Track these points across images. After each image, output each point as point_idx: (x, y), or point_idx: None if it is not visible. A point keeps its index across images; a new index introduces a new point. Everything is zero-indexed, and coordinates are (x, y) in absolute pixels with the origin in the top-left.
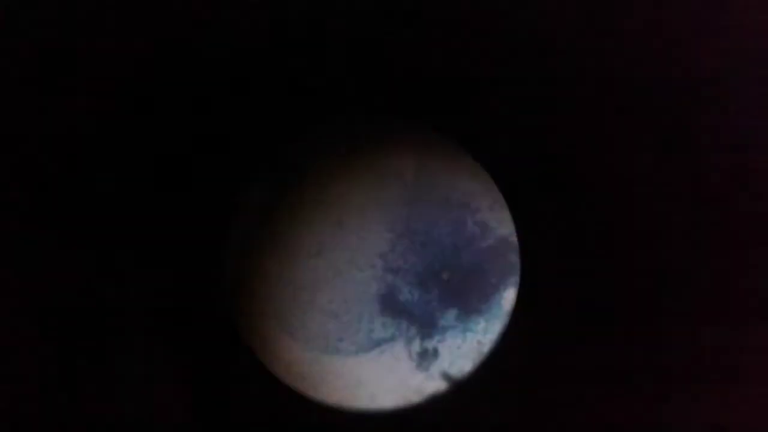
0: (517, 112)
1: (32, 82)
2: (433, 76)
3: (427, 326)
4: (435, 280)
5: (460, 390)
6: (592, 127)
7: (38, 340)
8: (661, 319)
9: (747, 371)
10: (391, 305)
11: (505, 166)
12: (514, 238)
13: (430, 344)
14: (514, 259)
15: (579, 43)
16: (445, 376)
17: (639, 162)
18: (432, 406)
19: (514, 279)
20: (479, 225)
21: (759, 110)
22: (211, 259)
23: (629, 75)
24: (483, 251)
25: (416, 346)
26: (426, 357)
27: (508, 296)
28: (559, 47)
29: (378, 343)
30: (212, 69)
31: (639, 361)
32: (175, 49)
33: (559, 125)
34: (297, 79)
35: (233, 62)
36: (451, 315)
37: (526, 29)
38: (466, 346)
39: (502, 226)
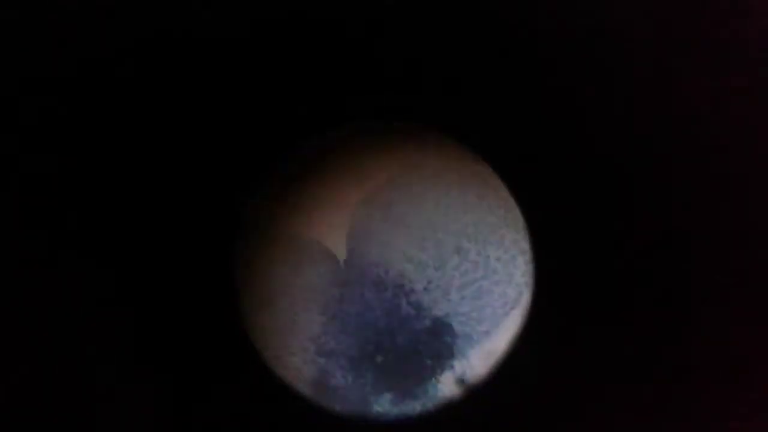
0: (518, 112)
1: (32, 83)
2: (434, 76)
3: (362, 412)
4: (369, 364)
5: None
6: (593, 126)
7: (40, 346)
8: (671, 321)
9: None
10: (323, 390)
11: (511, 166)
12: (449, 319)
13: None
14: (450, 340)
15: (581, 42)
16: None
17: (646, 160)
18: (445, 412)
19: (450, 362)
20: (414, 306)
21: None
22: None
23: (633, 72)
24: (418, 333)
25: None
26: None
27: (444, 379)
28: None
29: None
30: (214, 72)
31: (649, 366)
32: (175, 48)
33: (562, 123)
34: (296, 84)
35: (232, 66)
36: (385, 399)
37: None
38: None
39: (437, 307)
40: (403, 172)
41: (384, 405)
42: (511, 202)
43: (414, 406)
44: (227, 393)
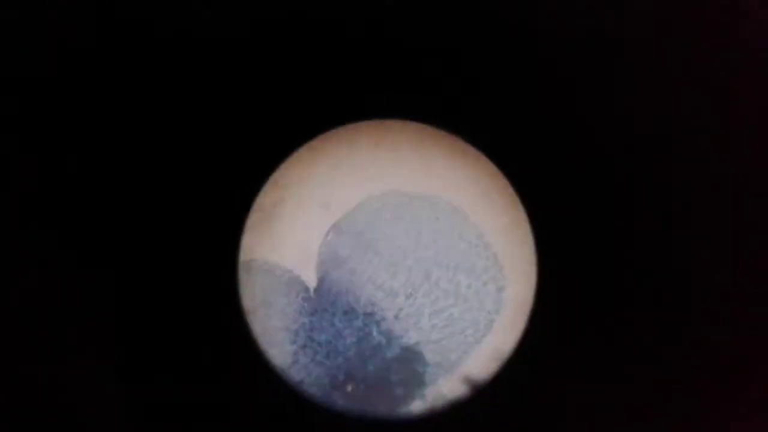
0: (518, 112)
1: (32, 83)
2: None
3: None
4: (339, 393)
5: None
6: (593, 126)
7: (40, 343)
8: (671, 321)
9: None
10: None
11: (511, 166)
12: (420, 347)
13: None
14: (420, 368)
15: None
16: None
17: (646, 160)
18: (452, 412)
19: (421, 390)
20: (384, 334)
21: None
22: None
23: (633, 72)
24: (389, 361)
25: None
26: None
27: (415, 407)
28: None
29: None
30: (212, 72)
31: (649, 366)
32: (174, 48)
33: (562, 123)
34: (295, 84)
35: (231, 66)
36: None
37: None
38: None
39: (408, 335)
40: (375, 200)
41: None
42: (483, 229)
43: None
44: (226, 392)
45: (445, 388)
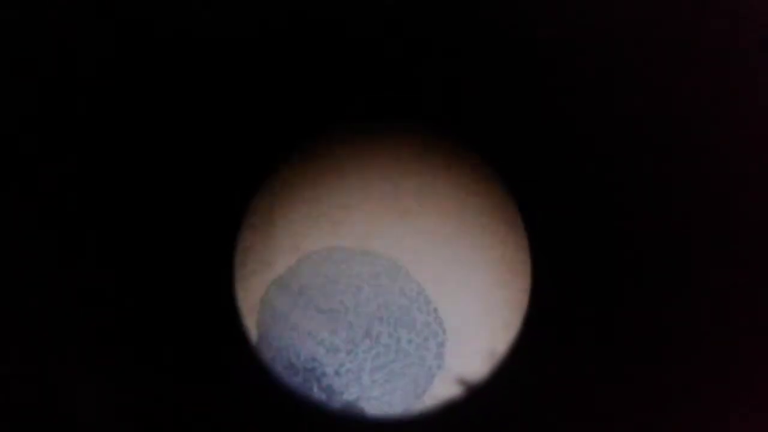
0: (518, 112)
1: (32, 81)
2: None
3: None
4: None
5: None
6: (593, 126)
7: (38, 343)
8: (671, 321)
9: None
10: None
11: (511, 166)
12: (361, 403)
13: None
14: (363, 421)
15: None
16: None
17: (646, 160)
18: (446, 411)
19: None
20: (325, 390)
21: None
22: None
23: (633, 72)
24: (329, 417)
25: None
26: None
27: None
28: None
29: None
30: (211, 72)
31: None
32: (174, 48)
33: (562, 123)
34: (295, 85)
35: (234, 65)
36: None
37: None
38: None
39: (349, 390)
40: (315, 256)
41: None
42: (424, 282)
43: None
44: (222, 393)
45: None
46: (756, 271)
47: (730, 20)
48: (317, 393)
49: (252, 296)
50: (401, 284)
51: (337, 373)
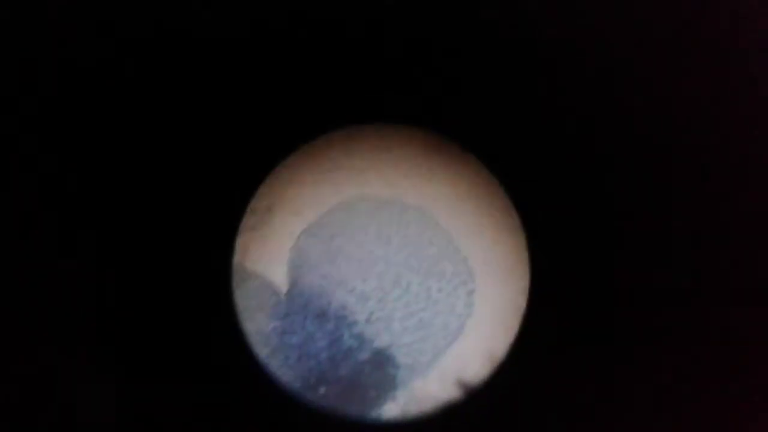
0: (518, 112)
1: (31, 81)
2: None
3: None
4: (312, 395)
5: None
6: (593, 127)
7: (36, 343)
8: (671, 321)
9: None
10: None
11: (511, 166)
12: (391, 350)
13: None
14: (392, 371)
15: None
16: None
17: (643, 160)
18: (445, 414)
19: (393, 393)
20: (356, 337)
21: None
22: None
23: (633, 72)
24: (360, 364)
25: None
26: None
27: (387, 410)
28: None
29: None
30: (210, 73)
31: (647, 367)
32: (174, 48)
33: (561, 124)
34: (294, 85)
35: (229, 67)
36: None
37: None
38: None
39: (380, 338)
40: (345, 206)
41: None
42: (454, 233)
43: None
44: (219, 395)
45: (417, 390)
46: (756, 271)
47: (730, 20)
48: (348, 340)
49: (282, 245)
50: (431, 234)
51: (367, 320)
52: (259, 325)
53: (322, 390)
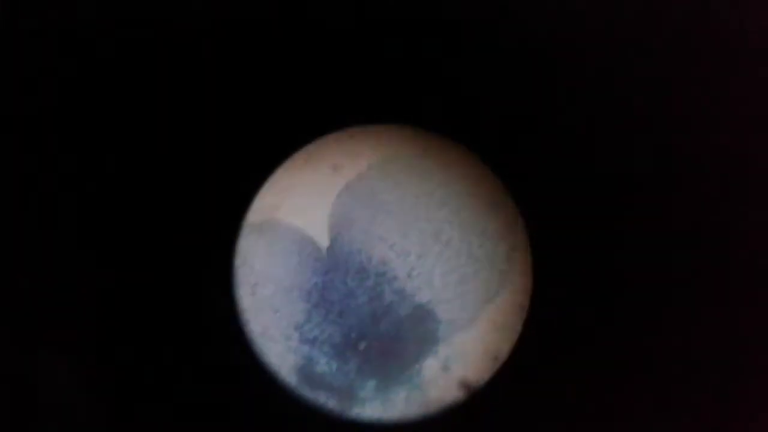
0: (518, 112)
1: (32, 82)
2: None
3: (346, 398)
4: (353, 351)
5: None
6: (593, 127)
7: (35, 344)
8: (671, 321)
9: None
10: (308, 378)
11: (511, 166)
12: (432, 306)
13: (349, 416)
14: (433, 326)
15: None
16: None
17: (642, 160)
18: (448, 416)
19: (434, 348)
20: (397, 293)
21: None
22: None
23: (632, 73)
24: (401, 320)
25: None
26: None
27: (428, 365)
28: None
29: None
30: (211, 72)
31: (648, 362)
32: (174, 48)
33: (562, 124)
34: (294, 85)
35: (231, 66)
36: (370, 386)
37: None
38: (386, 418)
39: (420, 293)
40: (386, 161)
41: (368, 391)
42: (496, 193)
43: (398, 392)
44: (220, 394)
45: (457, 345)
46: (757, 272)
47: (730, 20)
48: (388, 296)
49: (323, 201)
50: (470, 190)
51: (408, 276)
52: (299, 281)
53: (362, 346)
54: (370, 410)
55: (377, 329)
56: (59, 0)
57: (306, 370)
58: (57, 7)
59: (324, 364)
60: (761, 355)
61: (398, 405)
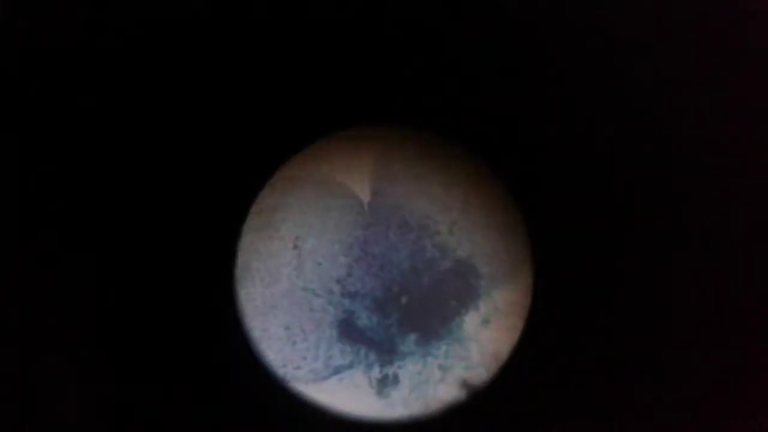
0: (518, 112)
1: (33, 81)
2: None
3: (387, 352)
4: (394, 305)
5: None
6: (593, 127)
7: (34, 344)
8: (672, 322)
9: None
10: (349, 331)
11: (511, 166)
12: (473, 260)
13: (389, 370)
14: (474, 281)
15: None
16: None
17: (642, 160)
18: (450, 415)
19: (475, 302)
20: (438, 248)
21: None
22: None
23: (632, 73)
24: (442, 274)
25: (376, 372)
26: (386, 383)
27: (469, 319)
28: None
29: (337, 371)
30: (213, 71)
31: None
32: (175, 48)
33: (562, 124)
34: (295, 86)
35: (233, 65)
36: (410, 340)
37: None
38: (426, 372)
39: (461, 248)
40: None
41: (409, 345)
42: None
43: (439, 346)
44: (223, 396)
45: (498, 300)
46: (757, 272)
47: (730, 20)
48: (430, 250)
49: (365, 156)
50: None
51: (450, 231)
52: (341, 235)
53: (404, 299)
54: (410, 365)
55: (419, 283)
56: (59, 0)
57: (347, 324)
58: (57, 7)
59: (365, 318)
60: (761, 355)
61: (438, 359)
